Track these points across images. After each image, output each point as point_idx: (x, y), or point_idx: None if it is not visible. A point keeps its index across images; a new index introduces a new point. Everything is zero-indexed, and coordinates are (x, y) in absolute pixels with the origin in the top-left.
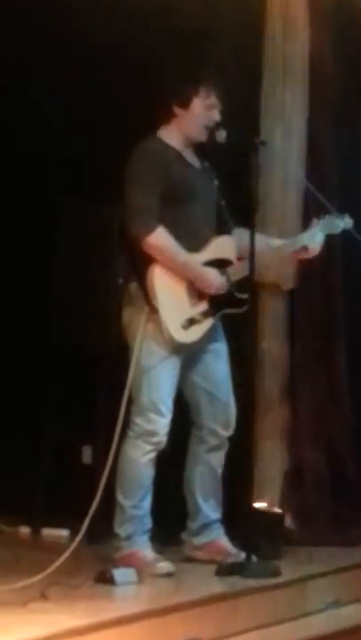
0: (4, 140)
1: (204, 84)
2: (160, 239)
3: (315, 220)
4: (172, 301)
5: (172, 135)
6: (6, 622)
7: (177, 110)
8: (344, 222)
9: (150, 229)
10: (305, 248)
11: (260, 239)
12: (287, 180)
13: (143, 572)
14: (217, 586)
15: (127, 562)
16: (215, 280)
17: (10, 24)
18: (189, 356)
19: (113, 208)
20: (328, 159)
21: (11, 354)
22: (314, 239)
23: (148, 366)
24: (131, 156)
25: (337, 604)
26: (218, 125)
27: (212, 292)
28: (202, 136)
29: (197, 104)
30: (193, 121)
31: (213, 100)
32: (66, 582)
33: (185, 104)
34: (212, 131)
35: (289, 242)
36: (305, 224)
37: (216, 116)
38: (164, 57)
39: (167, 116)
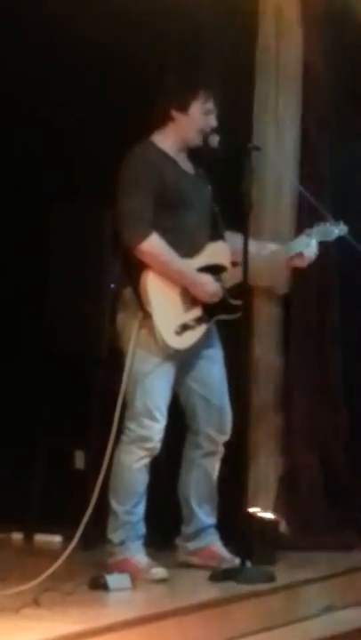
0: None
1: (203, 89)
2: (153, 246)
3: (308, 229)
4: (166, 307)
5: (166, 140)
6: None
7: (175, 114)
8: (339, 229)
9: (144, 236)
10: (299, 255)
11: (254, 244)
12: (281, 184)
13: (137, 577)
14: (211, 591)
15: (121, 568)
16: (210, 287)
17: (3, 27)
18: (184, 361)
19: (106, 212)
20: (322, 164)
21: (3, 360)
22: (308, 246)
23: (143, 372)
24: (124, 162)
25: (331, 608)
26: (211, 130)
27: (207, 299)
28: (198, 140)
29: (196, 108)
30: (191, 125)
31: (211, 105)
32: (59, 588)
33: (184, 108)
34: (205, 135)
35: (282, 248)
36: (299, 229)
37: (213, 121)
38: (159, 60)
39: (164, 120)
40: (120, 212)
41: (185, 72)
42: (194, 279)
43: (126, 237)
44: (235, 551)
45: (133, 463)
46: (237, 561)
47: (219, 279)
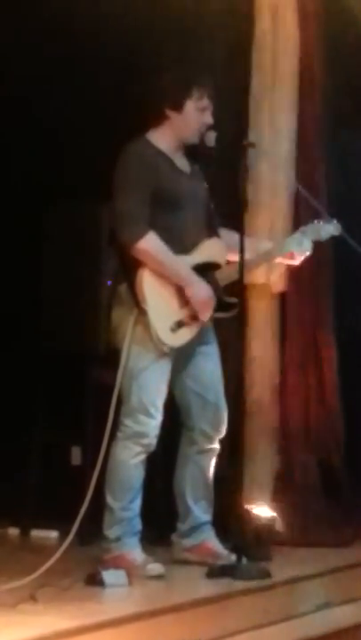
0: None
1: (196, 87)
2: (150, 245)
3: (302, 227)
4: (161, 304)
5: (162, 138)
6: None
7: (169, 113)
8: (333, 227)
9: (140, 235)
10: (293, 253)
11: (249, 242)
12: (276, 182)
13: (133, 573)
14: (207, 588)
15: (117, 564)
16: (205, 294)
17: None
18: (180, 357)
19: (101, 209)
20: (318, 161)
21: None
22: (301, 245)
23: (138, 368)
24: (120, 160)
25: (328, 605)
26: (208, 127)
27: (200, 305)
28: (195, 138)
29: (191, 106)
30: (186, 123)
31: (206, 102)
32: (55, 584)
33: (178, 107)
34: (201, 133)
35: (276, 247)
36: (295, 227)
37: (209, 118)
38: (154, 57)
39: (159, 119)
40: (116, 210)
41: (178, 70)
42: (190, 281)
43: (123, 236)
44: (231, 547)
45: (129, 459)
46: (233, 557)
47: (214, 276)
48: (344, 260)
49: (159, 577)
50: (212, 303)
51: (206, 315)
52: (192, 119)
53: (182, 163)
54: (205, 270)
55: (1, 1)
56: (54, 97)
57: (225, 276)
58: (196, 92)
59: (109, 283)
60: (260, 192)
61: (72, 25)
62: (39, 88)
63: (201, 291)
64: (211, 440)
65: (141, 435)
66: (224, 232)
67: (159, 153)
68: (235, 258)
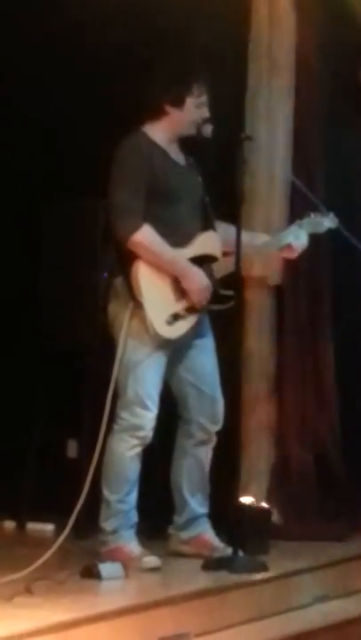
0: None
1: (196, 83)
2: (146, 237)
3: (298, 220)
4: (157, 297)
5: (158, 131)
6: None
7: (169, 109)
8: (329, 221)
9: (135, 228)
10: (289, 246)
11: (246, 235)
12: (273, 175)
13: (129, 566)
14: (204, 580)
15: (113, 556)
16: (202, 281)
17: None
18: (176, 350)
19: (97, 202)
20: (314, 154)
21: None
22: (298, 237)
23: (134, 361)
24: (116, 153)
25: (324, 598)
26: (204, 120)
27: (197, 293)
28: (191, 131)
29: (190, 103)
30: (184, 118)
31: (204, 97)
32: (51, 577)
33: (178, 103)
34: (198, 126)
35: (272, 240)
36: (291, 220)
37: (206, 112)
38: (152, 53)
39: (157, 114)
40: (112, 204)
41: (177, 67)
42: (186, 271)
43: (118, 229)
44: (227, 540)
45: (126, 452)
46: (229, 550)
47: (210, 269)
48: (341, 252)
49: (155, 569)
50: (209, 291)
51: (203, 301)
52: (190, 114)
53: (178, 155)
54: (201, 263)
55: (1, 1)
56: (53, 95)
57: (221, 269)
58: (196, 90)
59: (105, 276)
60: (256, 185)
61: (67, 21)
62: (39, 87)
63: (198, 277)
64: (207, 432)
65: (138, 427)
66: (220, 225)
67: (154, 145)
68: (231, 250)
